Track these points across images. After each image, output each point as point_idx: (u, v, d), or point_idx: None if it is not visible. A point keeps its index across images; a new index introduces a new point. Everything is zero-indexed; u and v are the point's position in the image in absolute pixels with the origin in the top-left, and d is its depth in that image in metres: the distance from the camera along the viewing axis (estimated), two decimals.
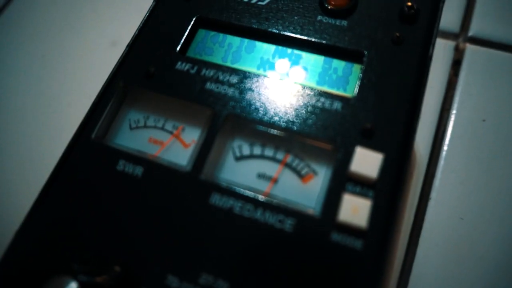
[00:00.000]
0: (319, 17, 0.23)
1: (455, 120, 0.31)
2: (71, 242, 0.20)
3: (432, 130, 0.31)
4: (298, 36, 0.23)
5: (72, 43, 0.38)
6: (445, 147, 0.30)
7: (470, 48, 0.33)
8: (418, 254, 0.27)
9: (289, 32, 0.23)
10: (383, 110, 0.20)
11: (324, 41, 0.23)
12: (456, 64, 0.33)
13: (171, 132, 0.23)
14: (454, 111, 0.31)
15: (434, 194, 0.29)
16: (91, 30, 0.39)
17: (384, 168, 0.19)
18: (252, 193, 0.20)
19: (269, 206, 0.19)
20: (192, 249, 0.19)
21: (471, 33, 0.34)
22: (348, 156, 0.20)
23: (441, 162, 0.30)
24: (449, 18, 0.34)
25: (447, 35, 0.34)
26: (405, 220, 0.28)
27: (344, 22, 0.23)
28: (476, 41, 0.33)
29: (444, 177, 0.29)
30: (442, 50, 0.33)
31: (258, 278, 0.18)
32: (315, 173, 0.21)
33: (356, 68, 0.22)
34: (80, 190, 0.21)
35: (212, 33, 0.25)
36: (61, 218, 0.21)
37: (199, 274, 0.18)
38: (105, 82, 0.24)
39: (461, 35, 0.34)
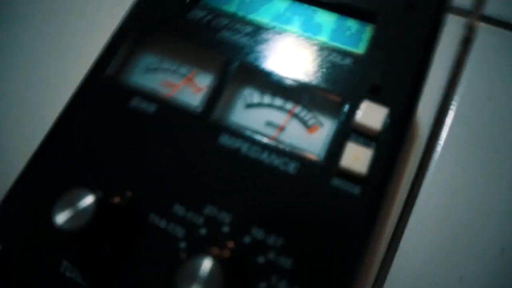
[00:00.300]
0: None
1: (461, 97, 0.31)
2: (83, 172, 0.21)
3: (436, 105, 0.31)
4: None
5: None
6: (448, 122, 0.31)
7: (483, 26, 0.34)
8: (411, 219, 0.28)
9: None
10: (392, 69, 0.21)
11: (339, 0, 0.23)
12: (466, 42, 0.33)
13: (184, 75, 0.24)
14: (460, 89, 0.32)
15: (432, 167, 0.30)
16: None
17: (388, 122, 0.20)
18: (260, 136, 0.21)
19: (275, 149, 0.20)
20: (198, 183, 0.20)
21: (485, 11, 0.34)
22: (354, 109, 0.20)
23: (443, 136, 0.31)
24: None
25: (460, 11, 0.34)
26: (400, 189, 0.29)
27: None
28: (490, 20, 0.34)
29: (444, 152, 0.30)
30: (454, 26, 0.34)
31: (258, 213, 0.19)
32: (321, 124, 0.22)
33: (369, 28, 0.23)
34: (94, 124, 0.22)
35: None
36: (75, 150, 0.22)
37: (204, 205, 0.19)
38: (121, 23, 0.24)
39: (475, 12, 0.34)
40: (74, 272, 0.19)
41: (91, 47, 0.26)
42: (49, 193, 0.19)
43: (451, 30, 0.34)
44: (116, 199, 0.18)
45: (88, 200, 0.17)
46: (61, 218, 0.17)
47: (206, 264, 0.15)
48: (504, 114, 0.31)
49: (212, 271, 0.15)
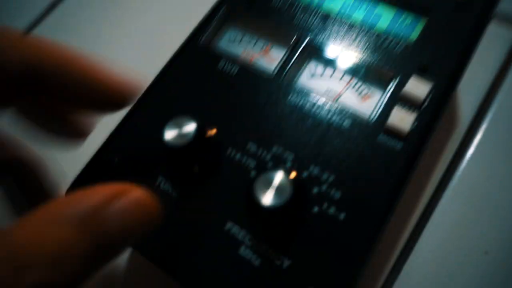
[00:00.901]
0: None
1: (504, 96, 0.34)
2: (184, 110, 0.26)
3: (481, 96, 0.34)
4: None
5: None
6: (488, 119, 0.34)
7: None
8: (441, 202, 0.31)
9: None
10: (438, 54, 0.25)
11: None
12: None
13: (261, 48, 0.29)
14: (503, 90, 0.35)
15: (468, 155, 0.33)
16: None
17: (431, 94, 0.24)
18: (321, 96, 0.25)
19: (334, 108, 0.25)
20: (269, 129, 0.25)
21: None
22: (404, 82, 0.25)
23: (484, 126, 0.33)
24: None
25: (508, 21, 0.37)
26: (436, 172, 0.32)
27: None
28: None
29: (480, 145, 0.33)
30: (503, 33, 0.37)
31: (315, 155, 0.24)
32: (373, 94, 0.26)
33: (423, 20, 0.27)
34: (191, 78, 0.28)
35: None
36: (175, 96, 0.27)
37: (272, 145, 0.24)
38: (215, 3, 0.30)
39: None
40: (167, 185, 0.24)
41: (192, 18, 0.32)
42: (157, 120, 0.25)
43: (500, 36, 0.37)
44: (210, 132, 0.24)
45: (192, 126, 0.22)
46: (169, 135, 0.22)
47: (279, 175, 0.20)
48: None
49: (283, 181, 0.20)
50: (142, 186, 0.16)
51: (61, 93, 0.17)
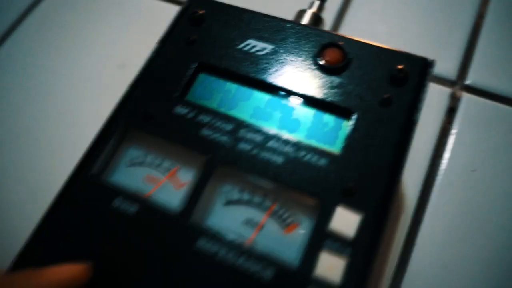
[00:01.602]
0: (314, 72, 0.24)
1: (446, 168, 0.32)
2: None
3: (422, 175, 0.32)
4: (292, 88, 0.24)
5: (82, 62, 0.40)
6: (434, 194, 0.31)
7: (466, 96, 0.34)
8: None
9: (284, 83, 0.24)
10: (365, 170, 0.21)
11: (316, 96, 0.24)
12: (450, 112, 0.34)
13: (167, 170, 0.24)
14: (445, 159, 0.32)
15: (419, 241, 0.30)
16: (100, 51, 0.40)
17: (362, 228, 0.20)
18: (237, 239, 0.21)
19: (252, 255, 0.21)
20: None
21: (468, 81, 0.35)
22: (329, 213, 0.21)
23: (429, 209, 0.31)
24: (447, 65, 0.35)
25: (443, 81, 0.35)
26: (388, 264, 0.29)
27: (337, 79, 0.24)
28: (473, 90, 0.34)
29: (431, 224, 0.30)
30: (437, 96, 0.34)
31: None
32: (299, 223, 0.22)
33: (346, 124, 0.23)
34: (77, 222, 0.22)
35: (212, 78, 0.26)
36: (58, 248, 0.22)
37: None
38: (107, 120, 0.25)
39: (458, 82, 0.35)
40: None
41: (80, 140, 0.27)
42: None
43: (435, 100, 0.34)
44: None
45: None
46: None
47: None
48: (489, 185, 0.31)
49: None
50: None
51: None
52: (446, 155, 0.32)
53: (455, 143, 0.33)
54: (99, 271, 0.21)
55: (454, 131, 0.33)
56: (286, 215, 0.22)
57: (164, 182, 0.24)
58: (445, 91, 0.34)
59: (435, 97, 0.34)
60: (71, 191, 0.24)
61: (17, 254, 0.23)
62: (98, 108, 0.30)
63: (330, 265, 0.19)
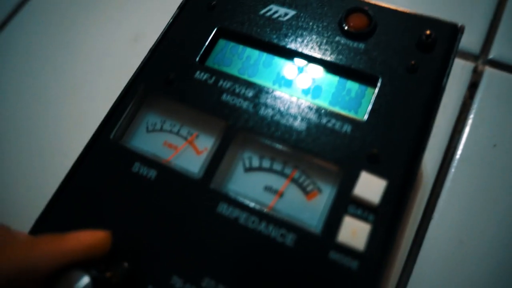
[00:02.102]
0: (337, 38, 0.24)
1: (466, 143, 0.31)
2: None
3: (441, 151, 0.31)
4: (315, 54, 0.24)
5: (96, 36, 0.40)
6: (452, 169, 0.30)
7: (488, 71, 0.33)
8: (414, 272, 0.27)
9: (307, 50, 0.24)
10: (391, 137, 0.21)
11: (340, 62, 0.23)
12: (472, 87, 0.33)
13: (185, 138, 0.24)
14: (465, 134, 0.31)
15: (436, 215, 0.29)
16: (114, 24, 0.40)
17: (387, 195, 0.20)
18: (258, 205, 0.21)
19: (273, 220, 0.20)
20: (197, 254, 0.20)
21: (491, 55, 0.34)
22: (352, 179, 0.20)
23: (447, 184, 0.30)
24: (471, 39, 0.34)
25: (466, 56, 0.34)
26: (405, 237, 0.29)
27: (362, 45, 0.23)
28: (496, 64, 0.33)
29: (449, 199, 0.30)
30: (460, 71, 0.33)
31: (257, 287, 0.19)
32: (319, 190, 0.22)
33: (370, 92, 0.23)
34: (97, 187, 0.22)
35: (232, 44, 0.25)
36: (77, 213, 0.22)
37: (202, 277, 0.20)
38: (126, 85, 0.25)
39: (481, 57, 0.34)
40: None
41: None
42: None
43: (457, 74, 0.33)
44: (112, 273, 0.19)
45: (84, 280, 0.17)
46: None
47: None
48: (509, 161, 0.30)
49: None
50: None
51: None
52: (466, 130, 0.32)
53: (475, 118, 0.32)
54: (120, 235, 0.21)
55: (475, 106, 0.32)
56: (306, 182, 0.22)
57: (184, 148, 0.24)
58: (468, 65, 0.34)
59: (457, 72, 0.33)
60: (90, 155, 0.23)
61: (37, 218, 0.23)
62: (113, 81, 0.30)
63: (353, 231, 0.19)
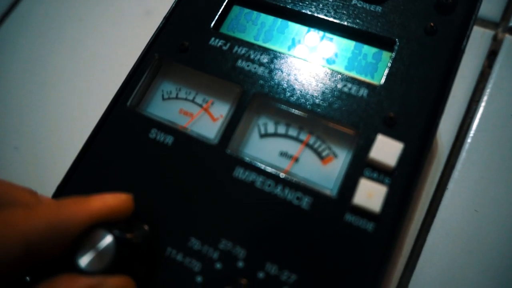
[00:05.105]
0: (354, 1, 0.23)
1: (483, 113, 0.31)
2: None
3: (457, 120, 0.31)
4: (331, 19, 0.23)
5: (108, 10, 0.40)
6: (468, 139, 0.30)
7: (509, 39, 0.32)
8: (428, 241, 0.27)
9: (322, 14, 0.23)
10: (408, 101, 0.21)
11: (356, 26, 0.23)
12: (491, 55, 0.32)
13: (200, 105, 0.24)
14: (483, 103, 0.31)
15: (451, 185, 0.29)
16: None
17: (403, 158, 0.20)
18: (273, 169, 0.21)
19: (289, 183, 0.21)
20: (214, 217, 0.21)
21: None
22: (369, 143, 0.20)
23: (463, 154, 0.30)
24: (490, 6, 0.33)
25: (486, 23, 0.33)
26: (419, 207, 0.29)
27: (379, 8, 0.23)
28: None
29: (464, 169, 0.29)
30: (479, 38, 0.32)
31: (273, 249, 0.20)
32: (335, 155, 0.22)
33: (386, 56, 0.22)
34: (115, 153, 0.23)
35: (247, 10, 0.25)
36: (97, 178, 0.23)
37: (219, 239, 0.20)
38: (141, 53, 0.25)
39: (501, 24, 0.33)
40: None
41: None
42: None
43: (476, 42, 0.32)
44: (133, 234, 0.19)
45: (107, 239, 0.18)
46: (84, 261, 0.18)
47: None
48: None
49: None
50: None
51: None
52: (484, 99, 0.31)
53: (494, 88, 0.31)
54: (139, 199, 0.21)
55: (494, 75, 0.31)
56: (322, 147, 0.22)
57: (199, 115, 0.24)
58: (487, 33, 0.33)
59: (476, 40, 0.32)
60: (108, 122, 0.24)
61: (58, 184, 0.23)
62: (126, 54, 0.30)
63: (369, 193, 0.19)
